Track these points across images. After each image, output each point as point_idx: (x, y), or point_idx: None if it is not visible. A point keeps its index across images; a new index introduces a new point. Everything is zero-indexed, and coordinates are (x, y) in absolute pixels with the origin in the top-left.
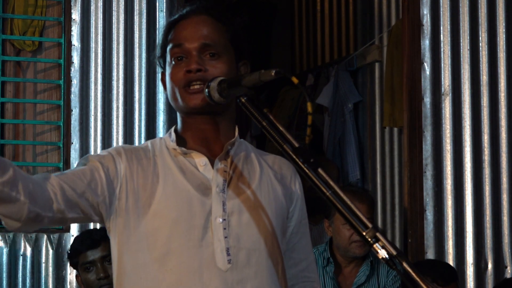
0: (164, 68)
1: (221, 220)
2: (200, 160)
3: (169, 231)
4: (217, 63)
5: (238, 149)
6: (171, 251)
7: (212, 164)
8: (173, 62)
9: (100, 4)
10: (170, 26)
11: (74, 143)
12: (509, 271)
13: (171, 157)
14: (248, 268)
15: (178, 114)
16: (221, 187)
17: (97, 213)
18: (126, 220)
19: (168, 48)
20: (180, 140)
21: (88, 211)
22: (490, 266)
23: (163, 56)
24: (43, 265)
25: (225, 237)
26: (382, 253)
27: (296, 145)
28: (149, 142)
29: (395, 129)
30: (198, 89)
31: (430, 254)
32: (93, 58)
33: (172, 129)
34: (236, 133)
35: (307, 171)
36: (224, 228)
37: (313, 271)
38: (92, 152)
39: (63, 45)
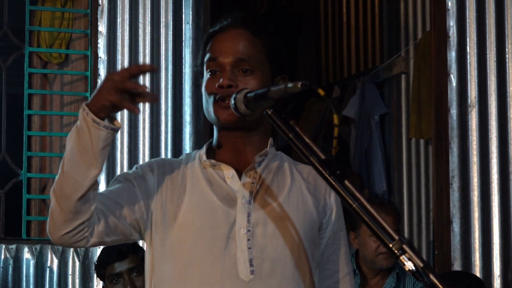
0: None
1: (245, 231)
2: (228, 172)
3: (192, 241)
4: (250, 79)
5: (271, 161)
6: (194, 261)
7: (240, 177)
8: (208, 75)
9: (127, 16)
10: (209, 38)
11: None
12: None
13: (200, 169)
14: (272, 279)
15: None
16: (247, 198)
17: (136, 231)
18: (156, 234)
19: (204, 60)
20: (212, 152)
21: (127, 231)
22: None
23: (202, 65)
24: (70, 277)
25: (249, 248)
26: (409, 265)
27: (323, 157)
28: (186, 153)
29: (421, 141)
30: (229, 104)
31: (457, 266)
32: None
33: (209, 141)
34: (268, 146)
35: (333, 183)
36: (248, 239)
37: (348, 283)
38: (118, 165)
39: (89, 58)
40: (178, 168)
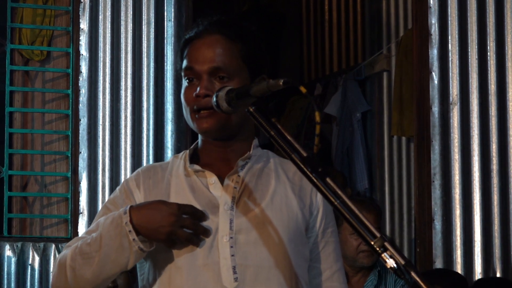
0: None
1: (227, 238)
2: (210, 179)
3: (175, 250)
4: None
5: (256, 162)
6: (177, 270)
7: (222, 182)
8: (186, 83)
9: (109, 13)
10: (185, 44)
11: (82, 152)
12: None
13: (184, 176)
14: (257, 285)
15: None
16: (229, 204)
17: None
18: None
19: (182, 66)
20: (196, 158)
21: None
22: (498, 275)
23: (181, 70)
24: (51, 274)
25: (232, 255)
26: (391, 263)
27: (304, 154)
28: (173, 157)
29: (403, 138)
30: (207, 114)
31: (439, 264)
32: (101, 68)
33: (195, 142)
34: (252, 149)
35: (315, 180)
36: (231, 246)
37: (338, 280)
38: (100, 162)
39: (71, 55)
40: (163, 176)
